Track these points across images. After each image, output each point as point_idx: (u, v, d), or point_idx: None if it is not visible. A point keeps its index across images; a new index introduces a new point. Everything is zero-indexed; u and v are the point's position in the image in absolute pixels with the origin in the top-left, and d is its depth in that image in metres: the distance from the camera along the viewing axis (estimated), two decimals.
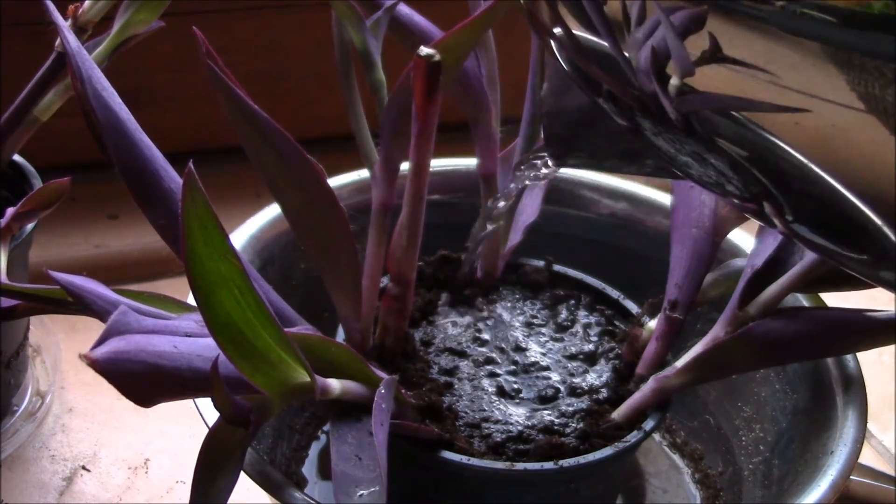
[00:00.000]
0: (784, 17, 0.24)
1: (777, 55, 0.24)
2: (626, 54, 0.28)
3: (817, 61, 0.24)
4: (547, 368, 0.48)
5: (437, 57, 0.37)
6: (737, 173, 0.29)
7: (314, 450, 0.56)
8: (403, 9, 0.48)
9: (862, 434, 0.45)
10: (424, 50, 0.37)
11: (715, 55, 0.25)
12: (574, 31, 0.30)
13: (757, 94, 0.25)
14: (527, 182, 0.44)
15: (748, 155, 0.27)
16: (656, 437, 0.58)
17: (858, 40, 0.23)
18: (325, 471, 0.55)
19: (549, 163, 0.42)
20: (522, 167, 0.44)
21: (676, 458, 0.57)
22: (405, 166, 0.43)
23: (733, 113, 0.26)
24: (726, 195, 0.30)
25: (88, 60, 0.37)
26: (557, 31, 0.31)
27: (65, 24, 0.38)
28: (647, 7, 0.26)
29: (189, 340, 0.33)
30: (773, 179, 0.28)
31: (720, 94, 0.26)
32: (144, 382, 0.32)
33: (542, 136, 0.40)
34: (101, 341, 0.30)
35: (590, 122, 0.37)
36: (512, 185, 0.46)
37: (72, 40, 0.37)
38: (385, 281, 0.47)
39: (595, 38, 0.29)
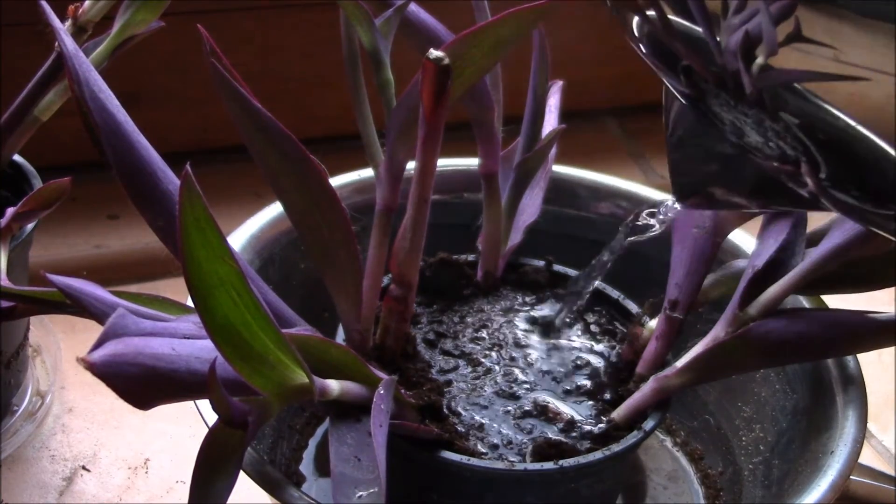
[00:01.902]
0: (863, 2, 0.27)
1: (846, 36, 0.28)
2: (717, 38, 0.31)
3: (887, 40, 0.27)
4: (547, 368, 0.48)
5: (447, 60, 0.37)
6: (787, 138, 0.31)
7: (312, 447, 0.56)
8: (412, 7, 0.48)
9: (862, 434, 0.45)
10: (434, 53, 0.37)
11: (797, 37, 0.29)
12: (665, 13, 0.34)
13: (822, 70, 0.29)
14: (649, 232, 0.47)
15: (802, 122, 0.30)
16: (657, 434, 0.58)
17: None
18: (322, 467, 0.55)
19: (676, 205, 0.44)
20: (643, 218, 0.46)
21: (678, 454, 0.58)
22: (410, 166, 0.43)
23: (797, 87, 0.30)
24: (767, 158, 0.33)
25: (85, 62, 0.37)
26: (650, 13, 0.34)
27: (62, 27, 0.38)
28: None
29: (187, 342, 0.33)
30: (818, 144, 0.31)
31: (795, 69, 0.30)
32: (142, 385, 0.32)
33: (671, 181, 0.41)
34: (98, 344, 0.30)
35: (724, 166, 0.39)
36: (622, 238, 0.47)
37: (68, 42, 0.37)
38: (386, 281, 0.47)
39: (683, 21, 0.33)
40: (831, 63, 0.28)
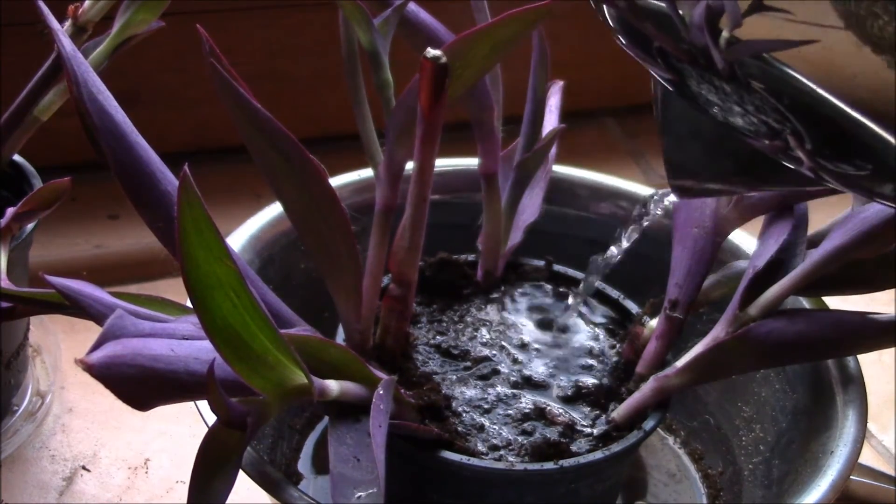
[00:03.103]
0: None
1: None
2: (681, 12, 0.31)
3: None
4: (547, 368, 0.48)
5: (444, 59, 0.37)
6: (766, 111, 0.31)
7: (309, 445, 0.56)
8: (411, 7, 0.48)
9: (862, 434, 0.45)
10: (431, 52, 0.37)
11: (759, 6, 0.29)
12: None
13: (780, 33, 0.29)
14: (645, 222, 0.46)
15: (775, 91, 0.31)
16: (658, 431, 0.58)
17: None
18: (319, 465, 0.55)
19: (674, 196, 0.44)
20: (646, 209, 0.46)
21: (679, 451, 0.58)
22: (409, 166, 0.43)
23: (767, 57, 0.30)
24: (756, 136, 0.33)
25: (84, 64, 0.37)
26: None
27: (60, 28, 0.38)
28: None
29: (186, 343, 0.33)
30: (792, 110, 0.31)
31: (760, 40, 0.30)
32: (141, 386, 0.32)
33: (665, 170, 0.41)
34: (96, 345, 0.30)
35: (715, 147, 0.39)
36: (631, 228, 0.47)
37: (66, 44, 0.37)
38: (386, 281, 0.47)
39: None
40: (787, 24, 0.29)
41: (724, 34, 0.30)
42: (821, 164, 0.32)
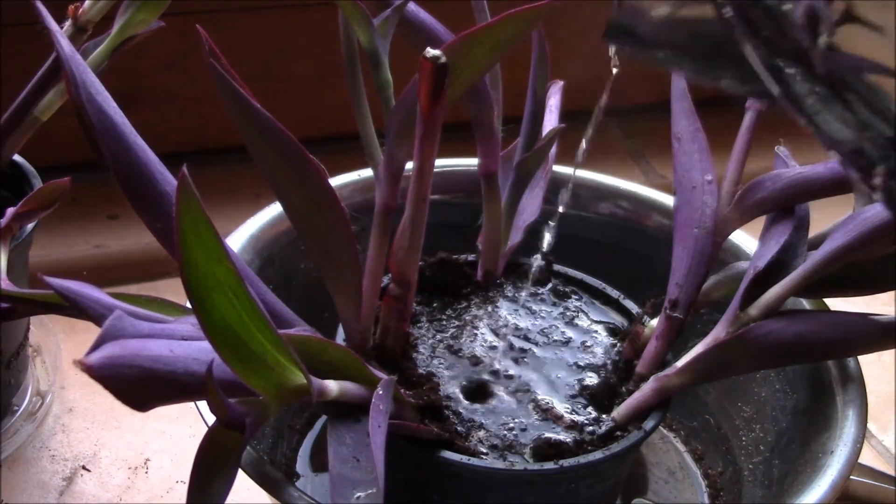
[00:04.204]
0: None
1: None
2: (786, 7, 0.30)
3: None
4: (548, 367, 0.48)
5: (444, 59, 0.37)
6: (862, 128, 0.30)
7: (308, 444, 0.56)
8: (411, 7, 0.48)
9: (862, 434, 0.45)
10: (431, 52, 0.37)
11: (848, 17, 0.28)
12: None
13: (881, 50, 0.29)
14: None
15: (874, 111, 0.29)
16: (660, 429, 0.58)
17: None
18: (317, 464, 0.55)
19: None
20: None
21: (680, 447, 0.58)
22: (409, 166, 0.43)
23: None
24: (836, 147, 0.32)
25: (82, 65, 0.37)
26: None
27: (58, 29, 0.38)
28: None
29: (185, 344, 0.33)
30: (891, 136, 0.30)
31: (858, 58, 0.29)
32: (140, 387, 0.32)
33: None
34: (96, 346, 0.30)
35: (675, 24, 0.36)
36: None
37: (65, 45, 0.37)
38: (386, 281, 0.47)
39: None
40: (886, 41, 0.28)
41: (822, 40, 0.29)
42: None
